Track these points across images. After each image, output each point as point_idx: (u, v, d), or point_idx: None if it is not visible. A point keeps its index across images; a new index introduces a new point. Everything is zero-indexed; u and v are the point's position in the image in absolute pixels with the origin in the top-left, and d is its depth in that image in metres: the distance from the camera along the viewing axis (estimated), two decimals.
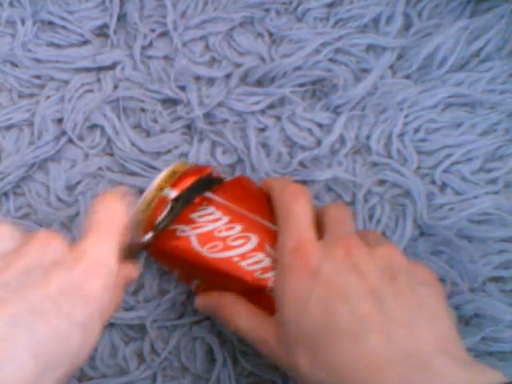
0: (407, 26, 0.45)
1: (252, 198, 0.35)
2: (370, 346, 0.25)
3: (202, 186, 0.34)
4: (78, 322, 0.24)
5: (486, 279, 0.40)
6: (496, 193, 0.41)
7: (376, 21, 0.44)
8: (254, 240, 0.32)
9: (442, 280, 0.40)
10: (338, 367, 0.26)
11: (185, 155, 0.43)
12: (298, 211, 0.31)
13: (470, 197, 0.41)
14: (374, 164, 0.42)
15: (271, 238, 0.32)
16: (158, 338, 0.40)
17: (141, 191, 0.42)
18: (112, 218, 0.28)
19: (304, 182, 0.42)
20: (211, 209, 0.33)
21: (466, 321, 0.39)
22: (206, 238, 0.32)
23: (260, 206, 0.34)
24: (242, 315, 0.32)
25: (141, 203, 0.34)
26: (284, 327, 0.28)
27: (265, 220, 0.33)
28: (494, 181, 0.42)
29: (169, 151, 0.43)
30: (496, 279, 0.41)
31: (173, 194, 0.33)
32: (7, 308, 0.22)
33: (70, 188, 0.43)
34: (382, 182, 0.42)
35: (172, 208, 0.33)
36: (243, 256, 0.32)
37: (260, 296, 0.32)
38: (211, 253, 0.32)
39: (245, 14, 0.44)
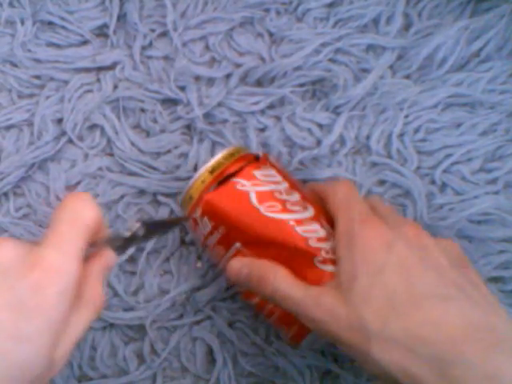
0: (407, 26, 0.44)
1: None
2: (458, 310, 0.26)
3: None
4: (23, 338, 0.23)
5: (486, 279, 0.40)
6: (496, 193, 0.41)
7: (376, 21, 0.44)
8: (311, 211, 0.33)
9: None
10: (416, 329, 0.26)
11: (185, 155, 0.43)
12: (356, 197, 0.32)
13: (470, 197, 0.41)
14: (374, 164, 0.42)
15: (325, 214, 0.33)
16: (158, 339, 0.40)
17: (141, 191, 0.42)
18: (75, 218, 0.27)
19: (304, 182, 0.42)
20: (273, 171, 0.34)
21: None
22: (266, 196, 0.33)
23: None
24: (284, 278, 0.31)
25: (194, 180, 0.35)
26: (354, 289, 0.28)
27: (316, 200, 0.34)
28: (493, 181, 0.42)
29: (168, 151, 0.43)
30: (496, 279, 0.41)
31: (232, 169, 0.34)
32: None
33: (70, 188, 0.43)
34: (381, 182, 0.42)
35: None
36: (300, 222, 0.32)
37: (306, 265, 0.31)
38: (268, 212, 0.32)
39: (245, 14, 0.44)
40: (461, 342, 0.25)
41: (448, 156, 0.42)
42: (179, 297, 0.40)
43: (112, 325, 0.40)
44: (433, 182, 0.42)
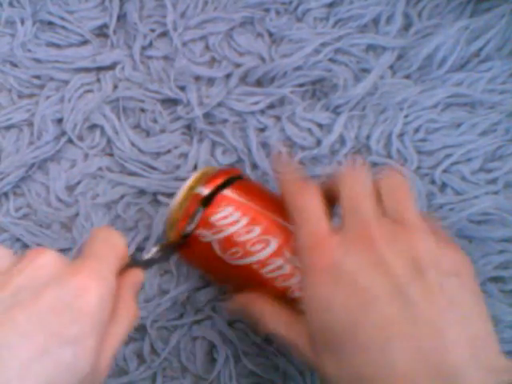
0: (407, 26, 0.44)
1: (269, 197, 0.34)
2: (397, 358, 0.24)
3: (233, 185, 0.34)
4: (68, 339, 0.23)
5: (486, 279, 0.40)
6: (496, 193, 0.41)
7: (376, 21, 0.44)
8: (274, 244, 0.32)
9: None
10: (365, 379, 0.25)
11: (185, 155, 0.43)
12: (306, 203, 0.29)
13: (470, 197, 0.41)
14: (374, 164, 0.42)
15: (290, 240, 0.31)
16: (158, 338, 0.40)
17: (141, 191, 0.42)
18: (108, 240, 0.28)
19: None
20: (230, 209, 0.33)
21: None
22: (227, 243, 0.32)
23: (278, 205, 0.33)
24: (269, 316, 0.31)
25: (174, 203, 0.34)
26: (311, 331, 0.28)
27: (283, 219, 0.32)
28: (494, 181, 0.42)
29: (168, 151, 0.43)
30: (496, 279, 0.41)
31: (205, 191, 0.33)
32: None
33: (70, 188, 0.43)
34: None
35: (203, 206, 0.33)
36: (263, 263, 0.31)
37: (284, 300, 0.31)
38: (232, 260, 0.32)
39: (245, 14, 0.44)
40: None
41: (448, 156, 0.42)
42: (179, 297, 0.40)
43: None
44: (433, 182, 0.42)
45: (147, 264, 0.32)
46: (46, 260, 0.25)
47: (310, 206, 0.29)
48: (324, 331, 0.27)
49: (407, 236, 0.26)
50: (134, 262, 0.31)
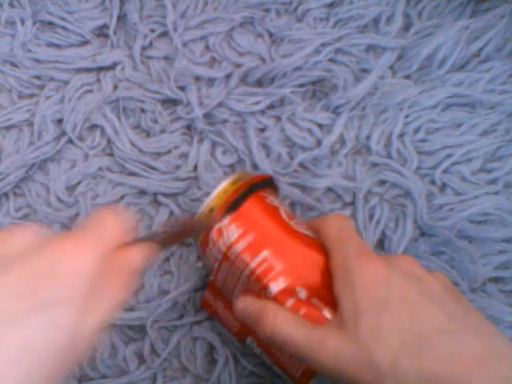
0: (407, 26, 0.44)
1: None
2: (466, 343, 0.26)
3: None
4: (49, 301, 0.23)
5: (486, 279, 0.40)
6: (496, 193, 0.41)
7: (376, 21, 0.44)
8: None
9: None
10: (428, 366, 0.26)
11: (185, 155, 0.43)
12: (350, 228, 0.32)
13: (470, 197, 0.41)
14: (374, 164, 0.42)
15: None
16: (158, 339, 0.40)
17: (141, 191, 0.42)
18: (98, 223, 0.28)
19: (303, 186, 0.42)
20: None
21: None
22: (290, 215, 0.34)
23: None
24: (285, 319, 0.31)
25: (216, 192, 0.35)
26: (360, 325, 0.28)
27: None
28: (493, 181, 0.42)
29: (169, 151, 0.43)
30: (496, 279, 0.41)
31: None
32: None
33: (70, 188, 0.43)
34: (382, 183, 0.42)
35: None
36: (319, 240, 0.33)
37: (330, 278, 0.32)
38: (296, 228, 0.34)
39: (245, 14, 0.44)
40: (474, 376, 0.25)
41: (448, 156, 0.42)
42: (179, 297, 0.40)
43: (112, 325, 0.40)
44: (433, 183, 0.42)
45: (157, 241, 0.31)
46: (33, 232, 0.25)
47: (350, 228, 0.32)
48: (379, 323, 0.27)
49: (434, 273, 0.30)
50: (140, 238, 0.30)
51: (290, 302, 0.32)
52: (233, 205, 0.34)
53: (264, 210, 0.34)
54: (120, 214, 0.29)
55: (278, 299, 0.32)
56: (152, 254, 0.30)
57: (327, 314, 0.31)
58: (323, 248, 0.32)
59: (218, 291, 0.37)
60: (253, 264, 0.33)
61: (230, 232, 0.34)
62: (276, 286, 0.32)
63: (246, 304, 0.33)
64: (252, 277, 0.33)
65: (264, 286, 0.32)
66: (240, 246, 0.33)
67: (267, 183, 0.36)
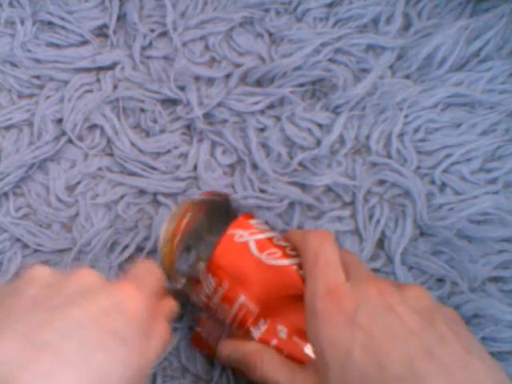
0: (407, 26, 0.44)
1: None
2: None
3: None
4: (120, 336, 0.25)
5: (486, 279, 0.40)
6: (496, 193, 0.41)
7: (376, 21, 0.44)
8: None
9: (442, 280, 0.40)
10: None
11: (185, 155, 0.43)
12: (326, 253, 0.30)
13: (470, 197, 0.41)
14: (374, 164, 0.42)
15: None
16: None
17: (141, 191, 0.42)
18: (149, 270, 0.31)
19: (303, 185, 0.42)
20: (261, 220, 0.34)
21: (466, 321, 0.39)
22: (265, 244, 0.32)
23: None
24: (271, 363, 0.31)
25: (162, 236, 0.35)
26: (328, 376, 0.27)
27: None
28: (493, 181, 0.42)
29: (168, 151, 0.43)
30: (496, 279, 0.41)
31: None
32: (56, 324, 0.24)
33: (70, 188, 0.43)
34: (381, 182, 0.42)
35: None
36: (301, 266, 0.32)
37: None
38: (269, 259, 0.32)
39: (244, 14, 0.44)
40: None
41: (448, 156, 0.42)
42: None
43: None
44: (432, 182, 0.42)
45: (178, 294, 0.34)
46: (91, 274, 0.28)
47: (328, 253, 0.30)
48: (345, 374, 0.26)
49: (413, 292, 0.28)
50: (167, 291, 0.34)
51: (273, 343, 0.32)
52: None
53: (233, 252, 0.33)
54: (154, 264, 0.32)
55: (262, 342, 0.32)
56: (175, 309, 0.33)
57: (308, 351, 0.31)
58: (300, 274, 0.31)
59: (203, 341, 0.37)
60: (233, 311, 0.33)
61: (208, 282, 0.33)
62: (257, 331, 0.33)
63: (230, 350, 0.34)
64: (234, 324, 0.33)
65: (246, 331, 0.33)
66: (218, 296, 0.33)
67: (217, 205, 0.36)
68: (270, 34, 0.44)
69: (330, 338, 0.27)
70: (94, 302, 0.25)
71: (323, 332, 0.28)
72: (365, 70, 0.43)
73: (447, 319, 0.27)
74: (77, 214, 0.42)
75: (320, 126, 0.43)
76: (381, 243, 0.41)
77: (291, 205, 0.41)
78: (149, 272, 0.31)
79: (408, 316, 0.27)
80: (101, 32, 0.45)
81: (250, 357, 0.32)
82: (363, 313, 0.27)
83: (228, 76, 0.44)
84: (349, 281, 0.29)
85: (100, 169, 0.43)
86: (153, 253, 0.41)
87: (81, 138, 0.43)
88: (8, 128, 0.43)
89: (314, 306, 0.29)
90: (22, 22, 0.44)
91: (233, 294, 0.33)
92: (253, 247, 0.32)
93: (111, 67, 0.44)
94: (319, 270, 0.30)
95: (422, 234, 0.41)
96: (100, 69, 0.44)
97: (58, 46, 0.45)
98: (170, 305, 0.33)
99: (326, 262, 0.30)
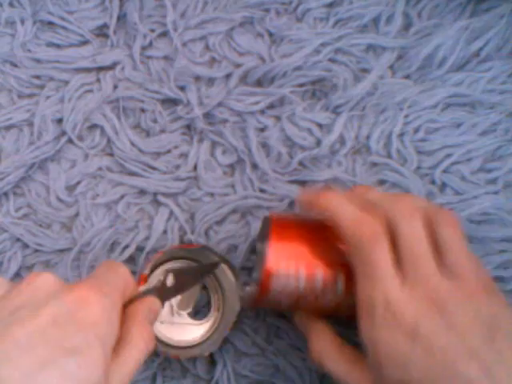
0: (407, 26, 0.44)
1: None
2: None
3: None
4: (72, 349, 0.24)
5: None
6: (496, 193, 0.41)
7: (376, 21, 0.44)
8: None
9: None
10: None
11: (185, 155, 0.43)
12: (379, 259, 0.28)
13: (470, 197, 0.41)
14: (374, 164, 0.42)
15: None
16: None
17: (141, 191, 0.42)
18: (114, 270, 0.30)
19: (304, 182, 0.42)
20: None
21: None
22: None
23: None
24: (329, 354, 0.32)
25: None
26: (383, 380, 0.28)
27: None
28: (493, 181, 0.42)
29: (168, 151, 0.43)
30: (496, 279, 0.41)
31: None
32: None
33: (70, 188, 0.43)
34: (381, 182, 0.42)
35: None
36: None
37: None
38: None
39: (245, 14, 0.44)
40: None
41: (448, 156, 0.42)
42: None
43: None
44: (433, 182, 0.42)
45: (162, 293, 0.33)
46: (43, 281, 0.26)
47: (382, 259, 0.29)
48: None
49: (479, 296, 0.28)
50: (146, 291, 0.32)
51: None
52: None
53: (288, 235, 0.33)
54: (119, 263, 0.31)
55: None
56: (158, 307, 0.32)
57: None
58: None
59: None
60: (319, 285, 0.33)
61: (285, 276, 0.33)
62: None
63: (299, 319, 0.36)
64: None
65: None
66: (301, 280, 0.33)
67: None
68: (270, 34, 0.44)
69: (387, 350, 0.27)
70: (40, 315, 0.24)
71: (381, 342, 0.27)
72: (365, 70, 0.43)
73: (500, 300, 0.28)
74: (77, 214, 0.42)
75: (320, 125, 0.43)
76: None
77: (291, 204, 0.41)
78: (113, 271, 0.29)
79: (469, 334, 0.26)
80: (101, 32, 0.45)
81: (313, 337, 0.33)
82: (422, 329, 0.27)
83: (228, 76, 0.44)
84: (405, 286, 0.28)
85: (100, 169, 0.43)
86: (153, 253, 0.41)
87: (81, 138, 0.43)
88: (8, 128, 0.43)
89: (371, 312, 0.28)
90: (23, 22, 0.44)
91: (311, 266, 0.33)
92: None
93: (111, 67, 0.44)
94: (373, 276, 0.28)
95: None
96: (100, 69, 0.44)
97: (58, 45, 0.44)
98: (150, 305, 0.31)
99: (380, 269, 0.28)
